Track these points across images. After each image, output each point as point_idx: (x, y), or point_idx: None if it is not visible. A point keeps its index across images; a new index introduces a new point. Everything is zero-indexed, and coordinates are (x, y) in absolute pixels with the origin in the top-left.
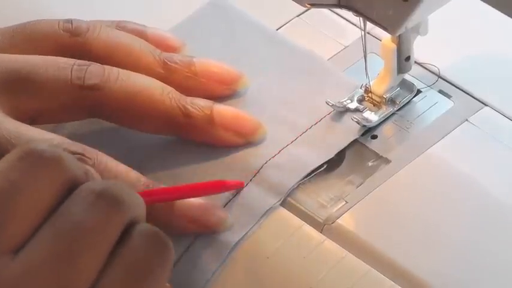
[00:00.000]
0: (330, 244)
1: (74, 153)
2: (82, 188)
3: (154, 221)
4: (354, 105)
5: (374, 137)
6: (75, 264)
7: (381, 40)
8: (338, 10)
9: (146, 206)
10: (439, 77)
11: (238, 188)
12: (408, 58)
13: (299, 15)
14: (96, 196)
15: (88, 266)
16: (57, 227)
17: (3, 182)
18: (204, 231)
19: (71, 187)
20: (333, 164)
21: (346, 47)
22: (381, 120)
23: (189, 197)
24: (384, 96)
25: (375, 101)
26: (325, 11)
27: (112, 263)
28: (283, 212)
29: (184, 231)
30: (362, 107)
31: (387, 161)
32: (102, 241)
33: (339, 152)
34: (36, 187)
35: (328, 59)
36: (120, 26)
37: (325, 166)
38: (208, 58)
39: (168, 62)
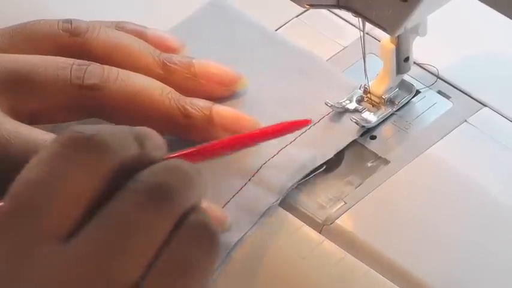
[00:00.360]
0: (329, 245)
1: None
2: (134, 183)
3: None
4: (353, 105)
5: (373, 137)
6: (121, 260)
7: (380, 41)
8: (337, 11)
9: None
10: (438, 77)
11: (305, 125)
12: (407, 59)
13: (298, 15)
14: (147, 194)
15: (134, 261)
16: (109, 219)
17: (46, 168)
18: None
19: (125, 168)
20: (332, 165)
21: (345, 48)
22: (380, 120)
23: (259, 142)
24: (383, 96)
25: (374, 101)
26: (324, 11)
27: (159, 258)
28: (282, 212)
29: None
30: (361, 107)
31: (386, 162)
32: (150, 239)
33: (338, 153)
34: (79, 175)
35: (327, 60)
36: (120, 26)
37: (324, 167)
38: (208, 59)
39: (168, 63)
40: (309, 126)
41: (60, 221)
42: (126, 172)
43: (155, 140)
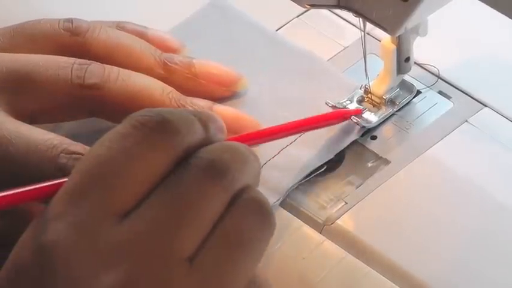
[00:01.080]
0: (329, 245)
1: (74, 153)
2: (192, 160)
3: None
4: (353, 106)
5: (374, 137)
6: (178, 235)
7: (380, 41)
8: (337, 11)
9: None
10: (439, 77)
11: (358, 113)
12: (408, 59)
13: (298, 15)
14: (204, 170)
15: (192, 235)
16: (165, 196)
17: (118, 147)
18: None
19: (186, 153)
20: (332, 165)
21: (345, 48)
22: (381, 121)
23: (310, 129)
24: (384, 97)
25: (375, 101)
26: (324, 11)
27: (214, 232)
28: (283, 212)
29: None
30: (362, 107)
31: (387, 162)
32: (206, 214)
33: (338, 153)
34: (150, 157)
35: (328, 60)
36: (121, 26)
37: (325, 167)
38: (208, 59)
39: (168, 63)
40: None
41: (126, 199)
42: (191, 153)
43: (218, 123)
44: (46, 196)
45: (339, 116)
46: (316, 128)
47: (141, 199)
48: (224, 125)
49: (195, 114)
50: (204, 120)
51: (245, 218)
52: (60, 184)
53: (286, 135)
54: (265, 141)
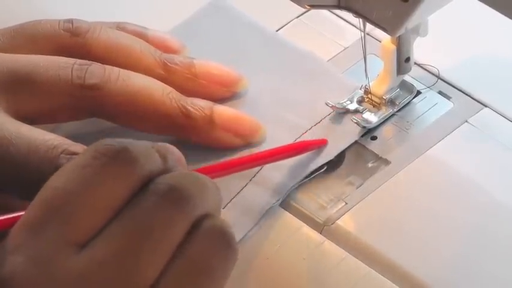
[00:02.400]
0: (329, 245)
1: (74, 154)
2: (151, 186)
3: None
4: (353, 106)
5: (374, 138)
6: (139, 262)
7: (380, 41)
8: (337, 11)
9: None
10: (439, 78)
11: (321, 145)
12: (408, 59)
13: (299, 16)
14: (164, 195)
15: (153, 263)
16: (125, 224)
17: (77, 178)
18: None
19: (145, 183)
20: (332, 165)
21: (345, 48)
22: (381, 121)
23: (272, 162)
24: (384, 97)
25: (375, 102)
26: (324, 12)
27: (175, 260)
28: (283, 213)
29: None
30: (362, 108)
31: (387, 162)
32: (167, 240)
33: (338, 153)
34: (108, 186)
35: (328, 60)
36: (121, 27)
37: (325, 167)
38: (209, 59)
39: (168, 63)
40: (310, 127)
41: (85, 229)
42: (151, 181)
43: (176, 155)
44: (5, 228)
45: (299, 147)
46: (278, 160)
47: (101, 228)
48: (183, 157)
49: (153, 146)
50: (163, 152)
51: (207, 246)
52: (19, 217)
53: (247, 168)
54: (222, 175)
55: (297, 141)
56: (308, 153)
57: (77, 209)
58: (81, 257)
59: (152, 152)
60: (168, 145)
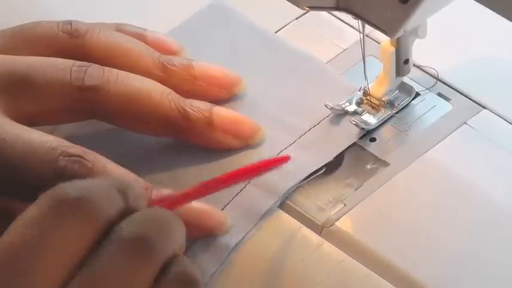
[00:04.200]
0: (328, 247)
1: (72, 155)
2: (113, 236)
3: None
4: (352, 108)
5: (373, 139)
6: None
7: (379, 43)
8: (337, 13)
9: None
10: (438, 79)
11: (284, 162)
12: (407, 61)
13: (298, 18)
14: (128, 246)
15: None
16: (88, 276)
17: (34, 232)
18: (203, 235)
19: (107, 227)
20: (331, 167)
21: (344, 50)
22: (380, 123)
23: (236, 183)
24: (383, 99)
25: (374, 103)
26: (323, 13)
27: None
28: (282, 214)
29: None
30: (361, 109)
31: (386, 164)
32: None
33: (337, 155)
34: (68, 240)
35: (327, 62)
36: (120, 28)
37: (324, 169)
38: (207, 61)
39: (167, 65)
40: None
41: (45, 285)
42: (112, 226)
43: (136, 191)
44: None
45: (265, 165)
46: (245, 180)
47: (63, 283)
48: (143, 192)
49: (113, 183)
50: (123, 190)
51: None
52: None
53: (212, 192)
54: (189, 201)
55: (258, 161)
56: (307, 155)
57: (35, 267)
58: None
59: (112, 192)
60: (128, 180)
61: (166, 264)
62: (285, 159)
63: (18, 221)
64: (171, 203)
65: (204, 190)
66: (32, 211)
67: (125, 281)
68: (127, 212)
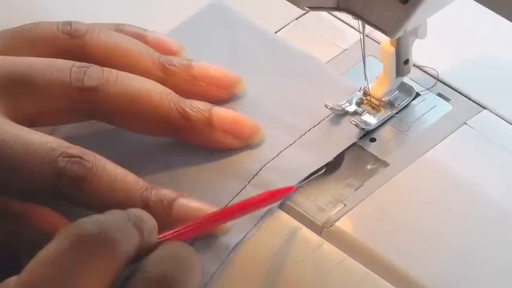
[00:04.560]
0: (328, 247)
1: (72, 156)
2: (140, 275)
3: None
4: (352, 108)
5: (373, 140)
6: None
7: (379, 43)
8: (337, 13)
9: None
10: (438, 80)
11: (290, 193)
12: (407, 61)
13: (298, 18)
14: (157, 284)
15: None
16: None
17: (57, 273)
18: (203, 235)
19: (126, 262)
20: (331, 167)
21: (344, 50)
22: (380, 123)
23: (243, 215)
24: (383, 99)
25: (374, 104)
26: (323, 14)
27: None
28: (282, 214)
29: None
30: (361, 110)
31: (386, 164)
32: None
33: (337, 155)
34: (91, 278)
35: (327, 62)
36: (120, 28)
37: (324, 169)
38: (207, 61)
39: (167, 65)
40: (309, 129)
41: None
42: (131, 261)
43: (150, 224)
44: None
45: (271, 196)
46: (250, 212)
47: None
48: (156, 225)
49: (129, 217)
50: (137, 223)
51: None
52: None
53: (217, 225)
54: (195, 235)
55: (264, 192)
56: (307, 155)
57: None
58: None
59: (129, 227)
60: (142, 214)
61: None
62: (291, 189)
63: (37, 258)
64: (178, 235)
65: (211, 221)
66: (51, 249)
67: None
68: (143, 246)
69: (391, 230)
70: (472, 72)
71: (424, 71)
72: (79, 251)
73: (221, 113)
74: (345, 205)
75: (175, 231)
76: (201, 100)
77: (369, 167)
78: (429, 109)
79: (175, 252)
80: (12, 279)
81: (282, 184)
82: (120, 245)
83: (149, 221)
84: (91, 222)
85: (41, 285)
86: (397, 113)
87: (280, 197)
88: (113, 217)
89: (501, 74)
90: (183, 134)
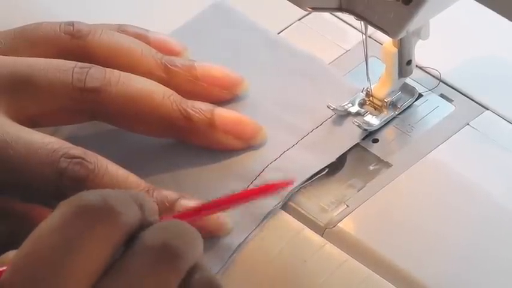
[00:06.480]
0: (330, 248)
1: (74, 157)
2: (139, 244)
3: None
4: (355, 109)
5: (375, 140)
6: None
7: (382, 44)
8: (339, 14)
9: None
10: (440, 80)
11: (287, 187)
12: (409, 62)
13: (300, 19)
14: (157, 255)
15: None
16: (116, 285)
17: (60, 240)
18: (205, 236)
19: (128, 237)
20: (334, 168)
21: (347, 51)
22: (382, 124)
23: (237, 206)
24: (385, 100)
25: (376, 104)
26: (326, 14)
27: None
28: (284, 215)
29: None
30: (363, 110)
31: (388, 165)
32: None
33: (340, 156)
34: (93, 245)
35: (330, 63)
36: (122, 29)
37: (326, 170)
38: (209, 61)
39: (169, 66)
40: (312, 130)
41: None
42: (133, 236)
43: (151, 204)
44: None
45: (268, 189)
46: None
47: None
48: (156, 206)
49: (131, 195)
50: (140, 202)
51: None
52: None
53: (217, 211)
54: (199, 217)
55: (261, 185)
56: (309, 156)
57: (61, 275)
58: None
59: (130, 202)
60: (143, 194)
61: (189, 272)
62: (289, 184)
63: (40, 229)
64: (178, 217)
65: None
66: (53, 219)
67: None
68: (144, 224)
69: (394, 231)
70: (474, 73)
71: (426, 72)
72: (82, 219)
73: (223, 113)
74: (347, 206)
75: (174, 215)
76: (203, 100)
77: (371, 167)
78: (432, 110)
79: (177, 224)
80: (11, 252)
81: None
82: (122, 216)
83: (150, 202)
84: (93, 194)
85: (46, 252)
86: (399, 113)
87: (277, 190)
88: (114, 191)
89: (504, 75)
90: (185, 134)
